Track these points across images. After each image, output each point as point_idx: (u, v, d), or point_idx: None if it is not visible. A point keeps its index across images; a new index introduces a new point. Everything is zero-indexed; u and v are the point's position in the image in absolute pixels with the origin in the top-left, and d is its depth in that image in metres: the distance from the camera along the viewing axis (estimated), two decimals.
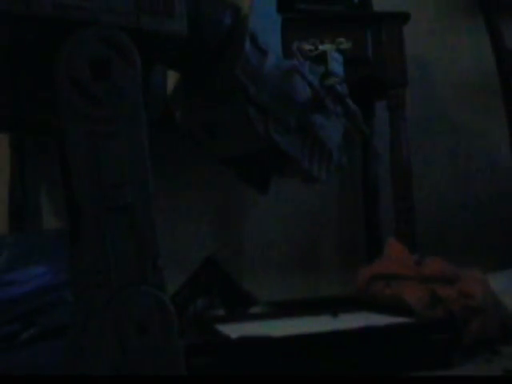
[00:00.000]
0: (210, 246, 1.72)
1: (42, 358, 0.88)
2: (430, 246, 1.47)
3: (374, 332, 0.94)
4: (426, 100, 1.87)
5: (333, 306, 1.13)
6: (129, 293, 0.50)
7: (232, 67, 0.60)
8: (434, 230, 1.78)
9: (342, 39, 0.74)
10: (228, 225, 1.80)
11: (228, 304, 1.24)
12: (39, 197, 1.72)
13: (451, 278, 1.07)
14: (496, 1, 1.64)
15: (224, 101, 0.62)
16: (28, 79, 0.56)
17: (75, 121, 0.50)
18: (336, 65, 0.71)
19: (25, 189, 1.63)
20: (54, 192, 1.71)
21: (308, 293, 1.47)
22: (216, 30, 0.61)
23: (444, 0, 1.92)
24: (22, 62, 0.55)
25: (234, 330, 0.96)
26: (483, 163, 1.88)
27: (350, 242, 1.81)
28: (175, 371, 0.51)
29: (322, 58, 0.69)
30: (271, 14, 0.66)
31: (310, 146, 0.68)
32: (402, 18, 1.54)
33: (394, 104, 1.51)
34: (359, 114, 0.71)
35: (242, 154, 0.68)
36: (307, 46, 0.70)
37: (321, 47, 0.71)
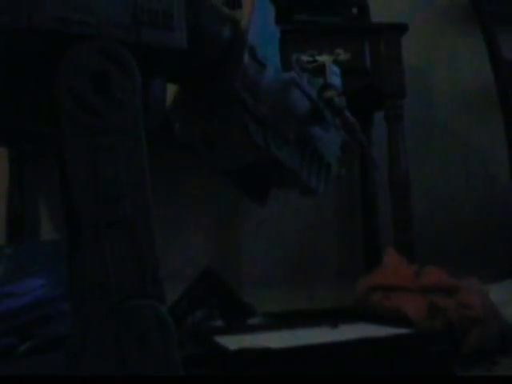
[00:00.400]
0: (208, 256, 1.72)
1: (40, 371, 0.88)
2: (429, 256, 1.47)
3: (373, 343, 0.93)
4: (424, 110, 1.87)
5: (332, 318, 1.13)
6: (128, 305, 0.50)
7: (231, 80, 0.61)
8: (433, 240, 1.78)
9: (340, 50, 0.74)
10: (226, 236, 1.80)
11: (227, 315, 1.23)
12: (37, 208, 1.72)
13: (450, 289, 1.07)
14: (493, 11, 1.65)
15: (223, 113, 0.62)
16: (28, 92, 0.56)
17: (74, 133, 0.50)
18: (334, 77, 0.71)
19: (23, 200, 1.63)
20: (52, 203, 1.71)
21: (307, 304, 1.47)
22: (215, 43, 0.61)
23: (442, 11, 1.93)
24: (22, 75, 0.55)
25: (232, 342, 0.95)
26: (481, 173, 1.88)
27: (349, 252, 1.81)
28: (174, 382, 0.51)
29: (320, 71, 0.70)
30: (270, 26, 0.66)
31: (309, 158, 0.69)
32: (400, 29, 1.55)
33: (392, 115, 1.51)
34: (357, 127, 0.71)
35: (241, 165, 0.68)
36: (305, 58, 0.71)
37: (318, 58, 0.71)
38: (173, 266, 1.63)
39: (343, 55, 0.74)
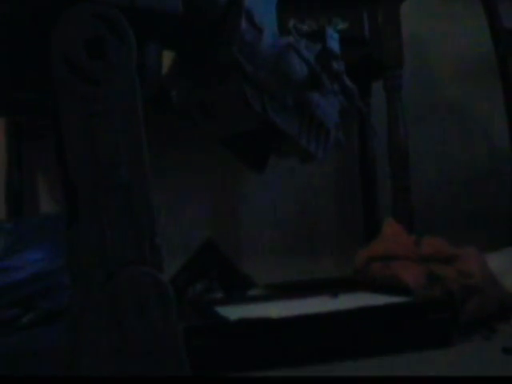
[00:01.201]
0: (208, 228, 1.72)
1: (42, 342, 0.89)
2: (428, 226, 1.47)
3: (373, 312, 0.94)
4: (423, 80, 1.86)
5: (332, 287, 1.14)
6: (126, 273, 0.50)
7: (228, 45, 0.60)
8: (432, 209, 1.78)
9: (338, 20, 0.73)
10: (226, 207, 1.80)
11: (227, 287, 1.24)
12: (36, 182, 1.72)
13: (449, 257, 1.07)
14: None
15: (220, 79, 0.62)
16: (24, 60, 0.55)
17: (70, 99, 0.50)
18: (332, 42, 0.70)
19: (22, 174, 1.62)
20: (51, 177, 1.70)
21: (307, 274, 1.47)
22: (212, 7, 0.60)
23: None
24: (18, 43, 0.54)
25: (233, 312, 0.96)
26: (480, 142, 1.88)
27: (349, 222, 1.81)
28: (173, 351, 0.51)
29: (318, 36, 0.69)
30: None
31: (308, 124, 0.68)
32: None
33: (390, 84, 1.50)
34: (356, 91, 0.71)
35: (240, 132, 0.68)
36: (304, 27, 0.70)
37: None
38: (172, 238, 1.63)
39: (341, 25, 0.73)
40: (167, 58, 0.66)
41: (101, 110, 0.50)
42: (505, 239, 1.51)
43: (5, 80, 0.56)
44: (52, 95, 0.52)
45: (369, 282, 1.13)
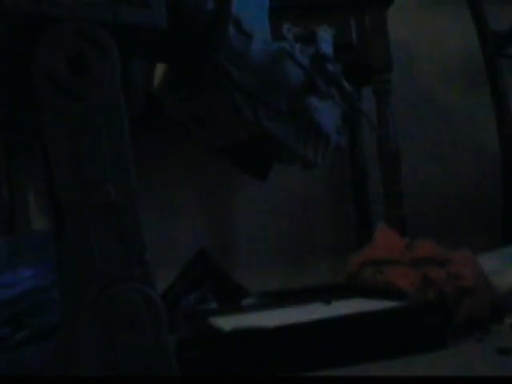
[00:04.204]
0: (201, 239, 1.72)
1: (35, 360, 0.88)
2: (420, 229, 1.47)
3: (367, 317, 0.94)
4: (411, 84, 1.86)
5: (325, 294, 1.14)
6: (116, 290, 0.50)
7: (215, 53, 0.59)
8: (423, 212, 1.79)
9: (325, 26, 0.73)
10: (217, 217, 1.80)
11: (220, 297, 1.24)
12: (27, 198, 1.71)
13: (441, 260, 1.07)
14: None
15: (210, 88, 0.61)
16: (9, 78, 0.55)
17: (54, 117, 0.49)
18: (325, 45, 0.69)
19: (12, 190, 1.62)
20: (41, 193, 1.70)
21: (300, 282, 1.47)
22: (198, 17, 0.60)
23: None
24: (2, 62, 0.54)
25: (227, 323, 0.96)
26: (469, 145, 1.89)
27: (341, 228, 1.81)
28: (165, 366, 0.51)
29: (310, 39, 0.68)
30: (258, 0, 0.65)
31: (305, 130, 0.67)
32: (386, 2, 1.54)
33: (379, 89, 1.50)
34: (354, 93, 0.70)
35: (235, 141, 0.67)
36: (298, 30, 0.69)
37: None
38: (164, 250, 1.63)
39: (329, 31, 0.72)
40: (159, 69, 0.66)
41: (85, 127, 0.50)
42: (496, 240, 1.51)
43: None
44: (37, 113, 0.52)
45: (362, 287, 1.13)
